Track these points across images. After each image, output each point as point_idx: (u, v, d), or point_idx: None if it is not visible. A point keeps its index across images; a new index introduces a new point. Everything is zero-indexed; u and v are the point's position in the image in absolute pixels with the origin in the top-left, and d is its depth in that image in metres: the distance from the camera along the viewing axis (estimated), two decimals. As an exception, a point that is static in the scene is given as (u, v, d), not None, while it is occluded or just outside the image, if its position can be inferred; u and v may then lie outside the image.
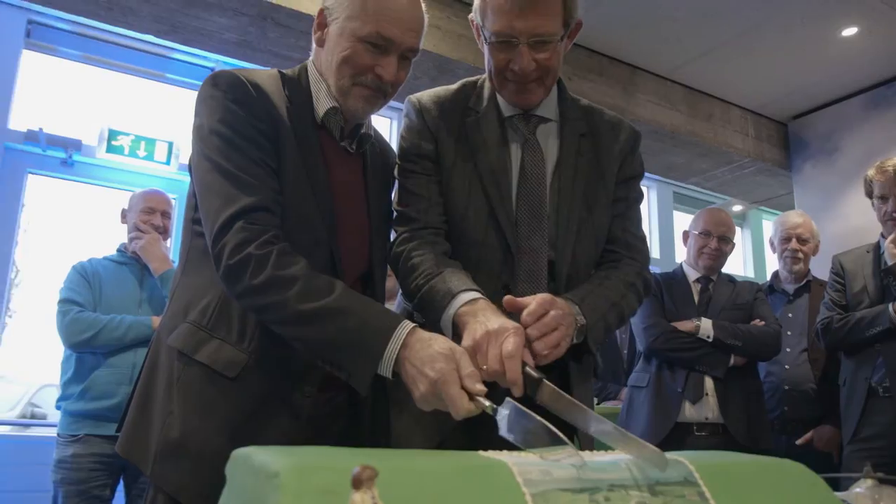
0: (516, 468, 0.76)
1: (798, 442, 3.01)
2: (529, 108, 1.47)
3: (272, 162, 1.28)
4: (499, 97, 1.50)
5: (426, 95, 1.51)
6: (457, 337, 1.19)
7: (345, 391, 1.37)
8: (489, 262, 1.41)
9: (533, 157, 1.45)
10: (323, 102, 1.37)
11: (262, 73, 1.36)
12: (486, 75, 1.53)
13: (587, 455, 0.89)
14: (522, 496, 0.73)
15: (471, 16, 1.47)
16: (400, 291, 1.47)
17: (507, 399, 0.99)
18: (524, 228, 1.41)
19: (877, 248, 2.84)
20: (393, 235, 1.48)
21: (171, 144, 4.08)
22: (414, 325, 1.12)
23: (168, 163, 4.07)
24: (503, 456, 0.80)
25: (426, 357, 1.06)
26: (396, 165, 1.50)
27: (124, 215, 3.06)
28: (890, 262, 2.63)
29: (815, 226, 3.42)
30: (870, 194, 2.85)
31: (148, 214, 2.99)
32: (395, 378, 1.11)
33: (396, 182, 1.50)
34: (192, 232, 1.35)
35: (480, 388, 1.03)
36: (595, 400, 3.60)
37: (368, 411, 1.39)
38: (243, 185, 1.22)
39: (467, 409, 1.01)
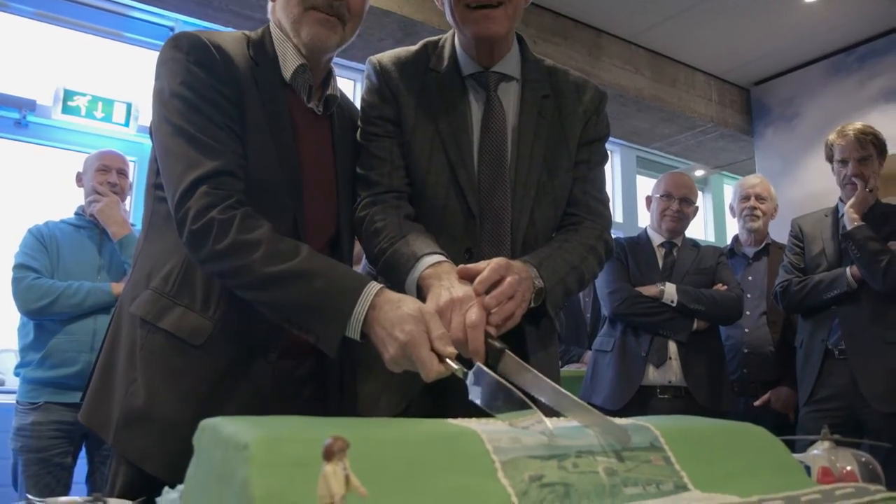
0: (485, 436, 0.77)
1: (756, 403, 3.08)
2: (492, 41, 1.43)
3: (235, 126, 1.25)
4: (459, 54, 1.47)
5: (386, 56, 1.48)
6: (420, 300, 1.18)
7: (311, 358, 1.36)
8: (451, 225, 1.40)
9: (494, 116, 1.43)
10: (291, 61, 1.34)
11: (226, 36, 1.33)
12: (447, 35, 1.51)
13: (553, 421, 0.90)
14: (492, 463, 0.74)
15: None
16: (364, 256, 1.46)
17: (477, 364, 0.99)
18: (486, 191, 1.39)
19: (835, 211, 2.89)
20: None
21: (129, 105, 3.97)
22: (381, 286, 1.12)
23: (127, 124, 3.96)
24: (472, 424, 0.80)
25: (395, 319, 1.05)
26: (359, 128, 1.48)
27: (80, 178, 2.98)
28: (849, 227, 2.68)
29: (773, 189, 3.48)
30: (830, 158, 2.89)
31: (103, 174, 2.91)
32: (364, 340, 1.10)
33: (359, 146, 1.47)
34: (154, 197, 1.32)
35: (451, 350, 1.03)
36: (559, 363, 3.64)
37: (335, 377, 1.39)
38: (206, 148, 1.19)
39: (437, 371, 1.01)
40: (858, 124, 2.83)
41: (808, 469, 1.06)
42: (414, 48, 1.51)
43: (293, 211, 1.30)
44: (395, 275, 1.28)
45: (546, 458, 0.77)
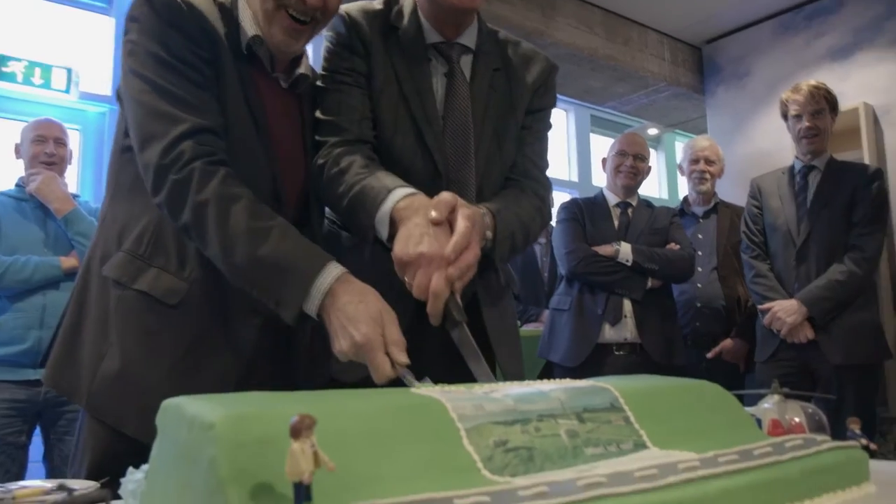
0: (450, 405, 0.77)
1: (708, 355, 3.18)
2: (465, 14, 1.42)
3: (213, 87, 1.23)
4: (423, 21, 1.45)
5: (355, 9, 1.45)
6: (392, 233, 1.18)
7: (284, 332, 1.36)
8: (418, 185, 1.36)
9: (457, 88, 1.43)
10: (248, 29, 1.31)
11: None
12: None
13: (514, 386, 0.92)
14: (457, 431, 0.74)
15: None
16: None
17: (426, 377, 1.02)
18: (453, 160, 1.40)
19: (791, 169, 2.95)
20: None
21: (69, 71, 3.84)
22: (346, 270, 1.11)
23: (67, 91, 3.84)
24: (436, 393, 0.81)
25: (354, 315, 1.05)
26: (321, 76, 1.44)
27: (18, 150, 2.89)
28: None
29: (720, 150, 3.56)
30: (785, 115, 2.94)
31: (39, 144, 2.81)
32: (319, 321, 1.11)
33: (322, 92, 1.43)
34: (122, 160, 1.30)
35: (404, 359, 1.04)
36: (518, 323, 3.69)
37: (305, 351, 1.38)
38: (188, 106, 1.18)
39: (388, 376, 1.02)
40: (812, 81, 2.89)
41: (759, 422, 1.10)
42: (377, 3, 1.48)
43: (272, 174, 1.29)
44: (363, 210, 1.25)
45: (510, 424, 0.78)
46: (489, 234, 1.28)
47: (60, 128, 2.91)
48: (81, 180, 3.78)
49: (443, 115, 1.41)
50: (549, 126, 1.59)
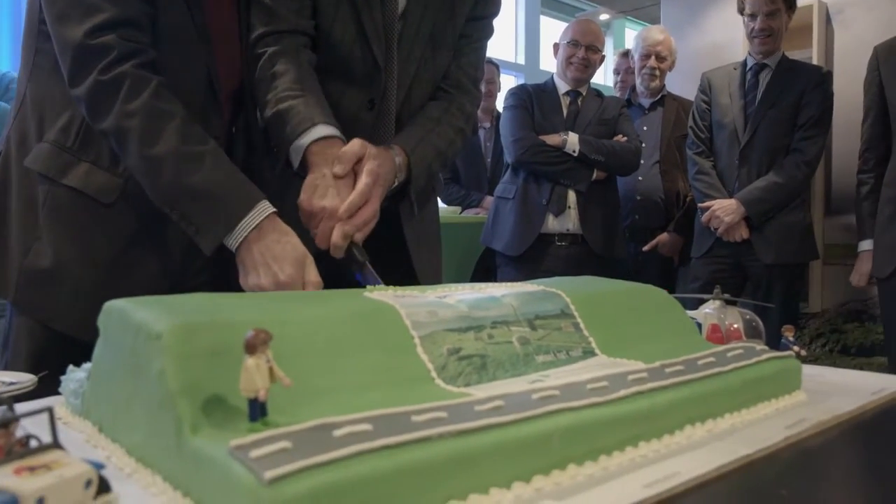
0: (403, 311, 0.76)
1: (645, 248, 3.26)
2: None
3: None
4: None
5: None
6: (303, 167, 1.19)
7: None
8: (356, 75, 1.35)
9: None
10: None
11: None
12: None
13: (467, 293, 0.91)
14: (411, 339, 0.74)
15: None
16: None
17: None
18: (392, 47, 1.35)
19: (743, 65, 2.94)
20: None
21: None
22: (274, 210, 1.11)
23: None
24: (389, 298, 0.80)
25: (279, 254, 1.07)
26: None
27: None
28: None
29: (673, 43, 3.49)
30: (741, 11, 2.90)
31: None
32: (235, 252, 1.10)
33: None
34: (39, 32, 1.18)
35: None
36: (459, 209, 3.70)
37: None
38: None
39: None
40: None
41: (699, 325, 1.13)
42: None
43: (205, 60, 1.22)
44: (282, 132, 1.23)
45: (463, 331, 0.78)
46: (401, 176, 1.28)
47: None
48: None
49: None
50: (489, 34, 1.54)
